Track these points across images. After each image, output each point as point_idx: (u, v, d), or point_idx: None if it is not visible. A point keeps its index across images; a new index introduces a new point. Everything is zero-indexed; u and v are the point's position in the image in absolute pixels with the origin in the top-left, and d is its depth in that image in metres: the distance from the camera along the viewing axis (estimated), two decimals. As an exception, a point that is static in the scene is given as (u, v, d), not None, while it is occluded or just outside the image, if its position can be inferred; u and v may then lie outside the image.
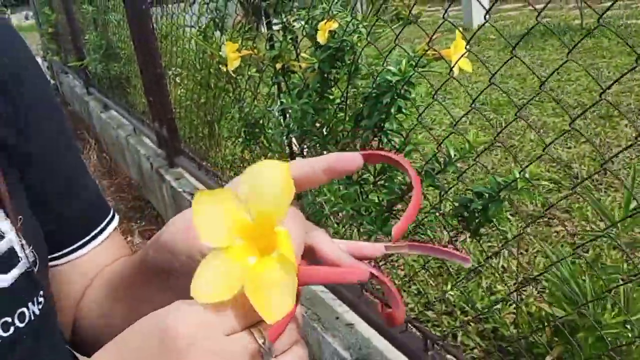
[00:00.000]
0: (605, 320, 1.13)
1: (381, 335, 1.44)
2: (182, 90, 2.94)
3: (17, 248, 0.52)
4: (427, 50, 1.08)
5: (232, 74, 1.67)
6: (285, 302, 0.35)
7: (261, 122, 1.76)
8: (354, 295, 1.53)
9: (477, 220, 1.04)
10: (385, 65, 1.15)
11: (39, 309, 0.53)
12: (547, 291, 1.59)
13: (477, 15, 7.36)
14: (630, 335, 1.15)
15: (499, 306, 1.79)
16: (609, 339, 1.17)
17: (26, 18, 20.99)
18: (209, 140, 2.70)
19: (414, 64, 1.11)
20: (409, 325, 1.34)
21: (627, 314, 1.13)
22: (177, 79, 3.04)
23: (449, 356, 1.28)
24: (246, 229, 0.38)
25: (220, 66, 1.96)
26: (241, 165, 2.18)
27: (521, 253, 2.13)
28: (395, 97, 1.15)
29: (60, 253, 0.62)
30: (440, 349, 1.27)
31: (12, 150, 0.55)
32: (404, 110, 1.16)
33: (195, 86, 2.52)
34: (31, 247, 0.53)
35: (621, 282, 1.22)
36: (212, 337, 0.36)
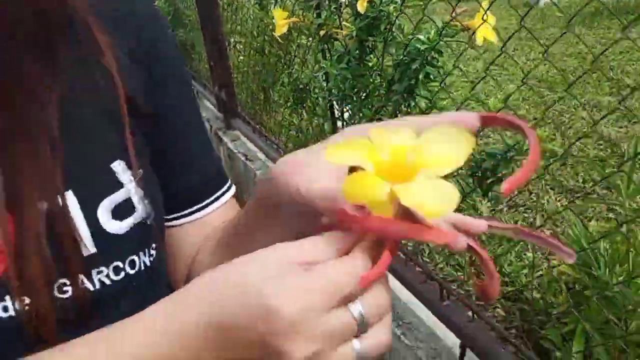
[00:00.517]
0: (613, 282, 1.21)
1: (403, 285, 1.55)
2: (241, 57, 3.08)
3: (135, 199, 0.55)
4: (450, 20, 1.17)
5: (280, 40, 1.79)
6: (447, 203, 0.35)
7: (307, 87, 1.88)
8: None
9: (488, 180, 1.13)
10: (415, 34, 1.24)
11: (149, 260, 0.57)
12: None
13: (545, -8, 7.19)
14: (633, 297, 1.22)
15: (525, 271, 1.87)
16: (615, 299, 1.25)
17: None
18: (264, 105, 2.83)
19: (441, 33, 1.20)
20: (428, 277, 1.45)
21: (633, 279, 1.20)
22: (237, 46, 3.18)
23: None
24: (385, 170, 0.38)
25: (273, 33, 2.09)
26: (290, 129, 2.30)
27: (556, 225, 2.19)
28: (424, 64, 1.24)
29: (174, 216, 0.65)
30: (455, 299, 1.37)
31: (142, 111, 0.58)
32: (431, 77, 1.26)
33: (252, 53, 2.65)
34: (148, 200, 0.56)
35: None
36: (315, 318, 0.37)
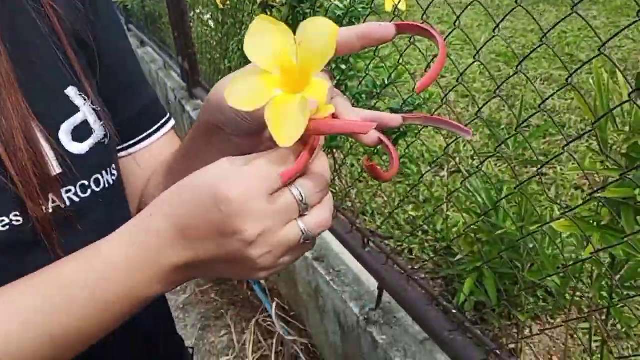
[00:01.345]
0: (505, 227, 1.34)
1: (333, 235, 1.68)
2: (200, 27, 3.15)
3: (91, 121, 0.59)
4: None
5: (222, 5, 1.89)
6: (293, 133, 0.40)
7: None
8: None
9: (393, 132, 1.25)
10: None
11: (112, 179, 0.61)
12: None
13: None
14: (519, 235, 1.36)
15: (455, 229, 2.00)
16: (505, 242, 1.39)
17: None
18: (223, 75, 2.93)
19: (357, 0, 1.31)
20: (353, 227, 1.58)
21: (521, 221, 1.34)
22: (200, 17, 3.25)
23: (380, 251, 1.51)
24: (287, 66, 0.43)
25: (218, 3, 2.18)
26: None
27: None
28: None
29: (123, 146, 0.69)
30: (374, 244, 1.50)
31: (85, 43, 0.61)
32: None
33: (209, 22, 2.73)
34: (102, 123, 0.60)
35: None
36: (258, 198, 0.42)
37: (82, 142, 0.57)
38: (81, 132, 0.57)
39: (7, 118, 0.50)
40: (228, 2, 1.85)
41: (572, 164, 2.46)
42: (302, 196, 0.44)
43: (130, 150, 0.69)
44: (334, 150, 1.65)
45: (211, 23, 3.11)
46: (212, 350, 2.25)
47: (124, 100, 0.67)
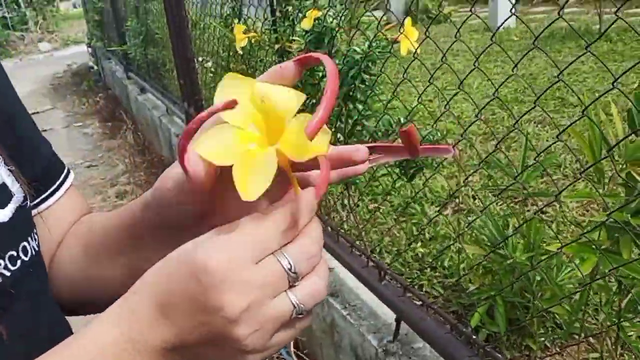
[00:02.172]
0: (515, 257, 1.41)
1: (348, 270, 1.74)
2: (209, 74, 3.26)
3: (8, 182, 0.54)
4: (375, 34, 1.37)
5: (241, 54, 1.99)
6: (259, 187, 0.37)
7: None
8: (332, 240, 1.83)
9: (411, 169, 1.33)
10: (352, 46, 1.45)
11: (37, 245, 0.57)
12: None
13: (502, 17, 7.57)
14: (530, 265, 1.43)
15: (463, 265, 2.07)
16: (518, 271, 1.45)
17: (74, 6, 21.77)
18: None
19: (374, 46, 1.41)
20: (369, 262, 1.64)
21: (531, 251, 1.41)
22: (205, 64, 3.36)
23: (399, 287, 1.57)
24: (260, 120, 0.41)
25: (237, 49, 2.28)
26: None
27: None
28: (360, 72, 1.45)
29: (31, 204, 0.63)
30: (390, 279, 1.56)
31: None
32: (366, 83, 1.46)
33: (218, 69, 2.84)
34: (20, 184, 0.56)
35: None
36: (242, 268, 0.38)
37: (3, 208, 0.52)
38: (1, 196, 0.53)
39: None
40: (241, 49, 1.95)
41: (573, 192, 2.54)
42: (291, 264, 0.40)
43: (35, 211, 0.63)
44: (349, 187, 1.72)
45: (212, 69, 3.22)
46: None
47: (26, 158, 0.61)
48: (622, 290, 1.25)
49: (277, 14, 1.87)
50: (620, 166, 1.20)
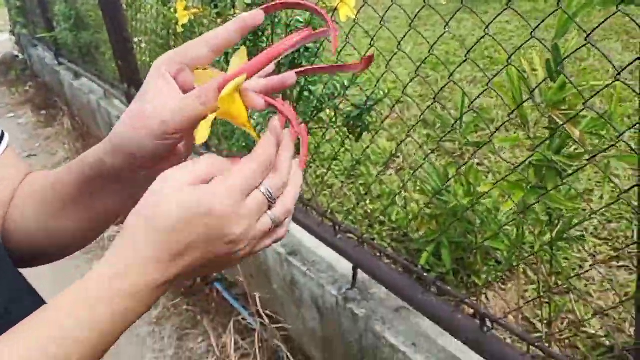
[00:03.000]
0: (457, 201, 1.56)
1: (305, 230, 1.85)
2: (147, 53, 3.27)
3: None
4: (318, 1, 1.46)
5: (182, 29, 2.04)
6: (203, 134, 0.53)
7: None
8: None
9: (357, 128, 1.44)
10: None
11: None
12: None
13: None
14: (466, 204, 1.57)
15: (410, 217, 2.21)
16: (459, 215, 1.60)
17: (-11, -7, 20.79)
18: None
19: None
20: (323, 218, 1.76)
21: (471, 195, 1.55)
22: (142, 44, 3.37)
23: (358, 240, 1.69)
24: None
25: (176, 27, 2.32)
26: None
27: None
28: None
29: None
30: (345, 231, 1.68)
31: None
32: (309, 50, 1.55)
33: (157, 48, 2.86)
34: None
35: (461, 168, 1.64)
36: (238, 206, 0.49)
37: None
38: None
39: None
40: (183, 26, 2.01)
41: (521, 133, 2.72)
42: (269, 192, 0.52)
43: None
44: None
45: (144, 50, 3.23)
46: (192, 356, 2.37)
47: None
48: (552, 221, 1.40)
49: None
50: (543, 111, 1.34)
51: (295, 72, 0.57)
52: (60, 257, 0.71)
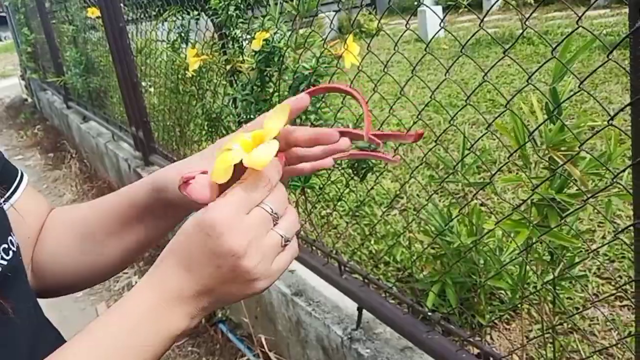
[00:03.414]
0: (460, 241, 1.58)
1: (309, 269, 1.88)
2: (155, 97, 3.35)
3: None
4: (322, 51, 1.52)
5: (193, 74, 2.11)
6: (221, 174, 0.54)
7: (220, 115, 2.20)
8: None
9: (363, 169, 1.48)
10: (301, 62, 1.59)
11: (16, 239, 0.65)
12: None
13: (431, 29, 7.91)
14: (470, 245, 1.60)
15: (414, 257, 2.23)
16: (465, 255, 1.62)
17: (0, 39, 21.27)
18: (180, 140, 3.12)
19: (320, 62, 1.56)
20: (329, 258, 1.78)
21: (474, 235, 1.58)
22: (151, 89, 3.45)
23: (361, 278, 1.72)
24: (246, 142, 0.55)
25: (186, 72, 2.40)
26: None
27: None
28: (309, 86, 1.59)
29: None
30: (350, 272, 1.71)
31: None
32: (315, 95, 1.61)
33: (166, 92, 2.94)
34: None
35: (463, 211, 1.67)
36: (238, 217, 0.51)
37: None
38: None
39: None
40: (194, 71, 2.08)
41: (522, 174, 2.75)
42: (271, 209, 0.53)
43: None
44: (306, 191, 1.86)
45: (153, 94, 3.31)
46: (197, 397, 2.36)
47: None
48: (554, 260, 1.43)
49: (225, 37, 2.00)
50: (544, 152, 1.38)
51: (339, 131, 0.59)
52: (89, 287, 0.74)
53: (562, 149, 1.37)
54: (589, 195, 1.13)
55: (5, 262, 0.59)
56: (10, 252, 0.61)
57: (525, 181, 1.49)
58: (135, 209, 0.67)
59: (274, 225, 0.54)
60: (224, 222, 0.50)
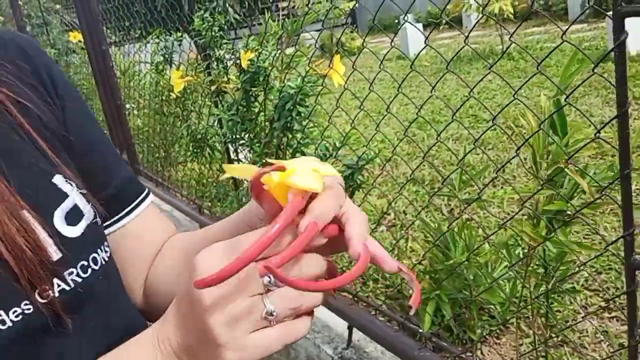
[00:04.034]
0: (454, 257, 1.59)
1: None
2: (139, 119, 3.34)
3: (80, 204, 0.62)
4: (308, 70, 1.53)
5: (178, 95, 2.11)
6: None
7: (205, 136, 2.19)
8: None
9: (350, 187, 1.48)
10: (286, 82, 1.60)
11: (107, 256, 0.65)
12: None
13: (412, 46, 7.99)
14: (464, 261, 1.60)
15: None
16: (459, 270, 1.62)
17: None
18: (165, 161, 3.11)
19: (306, 81, 1.56)
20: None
21: (468, 251, 1.58)
22: (135, 111, 3.44)
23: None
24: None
25: (170, 94, 2.39)
26: (190, 181, 2.60)
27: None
28: (295, 105, 1.60)
29: (108, 222, 0.71)
30: (339, 290, 1.70)
31: (58, 134, 0.66)
32: (302, 115, 1.61)
33: (150, 114, 2.93)
34: (91, 204, 0.64)
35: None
36: (227, 302, 0.46)
37: (75, 225, 0.61)
38: (73, 216, 0.61)
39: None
40: (178, 93, 2.07)
41: (508, 188, 2.77)
42: (272, 311, 0.46)
43: (113, 228, 0.72)
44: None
45: (137, 116, 3.30)
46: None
47: (100, 180, 0.70)
48: (547, 273, 1.43)
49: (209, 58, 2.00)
50: (547, 164, 1.39)
51: (398, 266, 0.51)
52: None
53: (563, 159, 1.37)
54: (597, 198, 1.14)
55: (79, 280, 0.59)
56: (89, 270, 0.60)
57: (511, 196, 1.49)
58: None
59: (265, 292, 0.46)
60: (204, 268, 0.47)
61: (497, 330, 1.91)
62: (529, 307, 1.51)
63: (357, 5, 2.05)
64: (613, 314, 1.95)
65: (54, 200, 0.60)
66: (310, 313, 0.51)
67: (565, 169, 1.32)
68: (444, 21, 7.22)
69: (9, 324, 0.53)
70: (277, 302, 0.46)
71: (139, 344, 0.53)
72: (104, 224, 0.70)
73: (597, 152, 3.16)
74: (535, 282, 1.46)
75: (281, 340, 0.47)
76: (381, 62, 1.38)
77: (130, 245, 0.73)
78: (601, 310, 1.97)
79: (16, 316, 0.54)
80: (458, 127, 4.23)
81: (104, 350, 0.55)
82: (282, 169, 0.47)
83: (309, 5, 1.64)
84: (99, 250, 0.63)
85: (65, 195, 0.61)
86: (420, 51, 1.48)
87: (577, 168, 1.28)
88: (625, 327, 1.84)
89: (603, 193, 0.93)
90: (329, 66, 1.52)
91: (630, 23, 0.82)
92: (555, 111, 1.14)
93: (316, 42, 1.45)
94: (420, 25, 8.57)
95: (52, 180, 0.61)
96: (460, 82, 5.80)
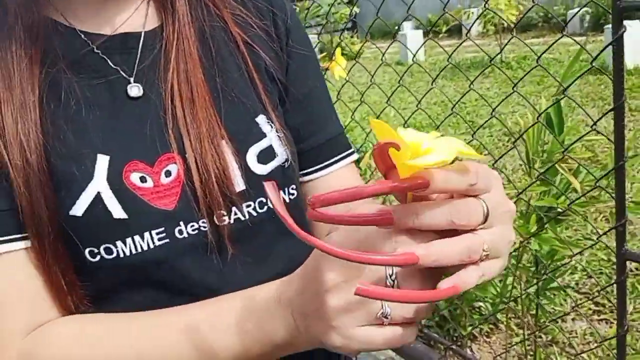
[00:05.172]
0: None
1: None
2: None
3: (275, 146, 0.65)
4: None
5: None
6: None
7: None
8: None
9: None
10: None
11: (289, 198, 0.67)
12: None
13: (411, 51, 8.03)
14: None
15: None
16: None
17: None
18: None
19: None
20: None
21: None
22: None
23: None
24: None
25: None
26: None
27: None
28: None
29: (303, 172, 0.73)
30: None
31: (276, 79, 0.68)
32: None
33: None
34: (285, 148, 0.66)
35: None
36: (348, 289, 0.43)
37: (265, 164, 0.64)
38: (266, 155, 0.64)
39: (202, 138, 0.60)
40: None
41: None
42: (387, 314, 0.44)
43: (312, 177, 0.73)
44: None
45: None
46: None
47: (307, 132, 0.72)
48: (539, 271, 1.46)
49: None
50: (541, 162, 1.42)
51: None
52: None
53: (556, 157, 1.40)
54: (568, 204, 1.16)
55: (255, 214, 0.62)
56: (266, 207, 0.63)
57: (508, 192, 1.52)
58: None
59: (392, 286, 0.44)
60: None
61: (488, 329, 1.93)
62: (519, 305, 1.53)
63: (359, 11, 2.08)
64: (602, 316, 1.98)
65: (252, 138, 0.64)
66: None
67: (557, 166, 1.35)
68: (443, 29, 7.26)
69: (185, 235, 0.59)
70: (395, 306, 0.44)
71: (262, 291, 0.53)
72: (302, 171, 0.72)
73: (591, 158, 3.20)
74: (526, 278, 1.49)
75: (388, 343, 0.46)
76: (379, 66, 1.40)
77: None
78: (590, 312, 1.99)
79: (193, 230, 0.60)
80: (455, 132, 4.26)
81: (257, 282, 0.56)
82: (396, 146, 0.40)
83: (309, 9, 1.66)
84: (281, 192, 0.65)
85: (263, 135, 0.64)
86: (415, 53, 1.50)
87: (570, 167, 1.32)
88: (614, 329, 1.87)
89: (597, 185, 0.95)
90: (332, 59, 1.54)
91: (627, 38, 0.84)
92: (554, 104, 1.16)
93: (317, 42, 1.47)
94: (419, 32, 8.61)
95: (256, 119, 0.65)
96: (459, 89, 5.85)
